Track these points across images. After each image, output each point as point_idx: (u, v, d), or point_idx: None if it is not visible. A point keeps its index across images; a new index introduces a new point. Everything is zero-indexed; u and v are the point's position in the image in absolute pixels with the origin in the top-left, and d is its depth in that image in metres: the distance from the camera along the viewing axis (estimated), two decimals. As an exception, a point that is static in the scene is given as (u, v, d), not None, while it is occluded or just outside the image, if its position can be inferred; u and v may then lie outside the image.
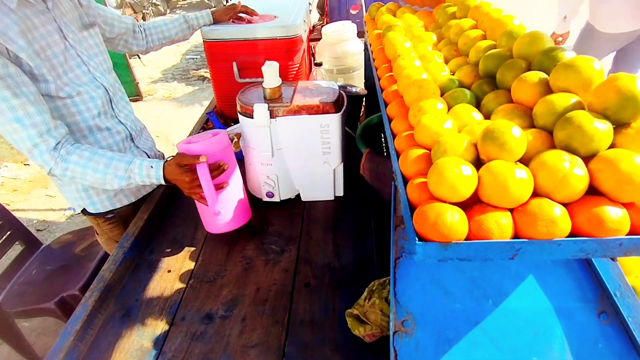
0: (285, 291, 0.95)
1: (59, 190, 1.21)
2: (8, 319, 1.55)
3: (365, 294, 0.83)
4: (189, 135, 1.58)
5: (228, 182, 1.02)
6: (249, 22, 1.48)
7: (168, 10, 8.53)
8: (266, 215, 1.19)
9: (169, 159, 1.00)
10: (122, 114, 1.20)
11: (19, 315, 1.55)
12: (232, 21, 1.50)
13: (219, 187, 0.99)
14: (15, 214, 1.70)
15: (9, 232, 1.63)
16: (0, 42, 0.85)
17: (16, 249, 1.69)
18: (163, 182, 1.00)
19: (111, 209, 1.24)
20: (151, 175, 0.99)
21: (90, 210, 1.22)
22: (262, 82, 1.06)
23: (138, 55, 5.63)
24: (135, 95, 4.62)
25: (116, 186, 1.00)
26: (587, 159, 0.47)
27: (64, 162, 0.95)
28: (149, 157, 1.29)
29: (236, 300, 0.94)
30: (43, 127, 0.92)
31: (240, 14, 1.49)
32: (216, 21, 1.47)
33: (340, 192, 1.23)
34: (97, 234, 1.34)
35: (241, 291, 0.96)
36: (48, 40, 0.96)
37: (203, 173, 0.93)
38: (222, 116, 1.63)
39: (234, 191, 1.05)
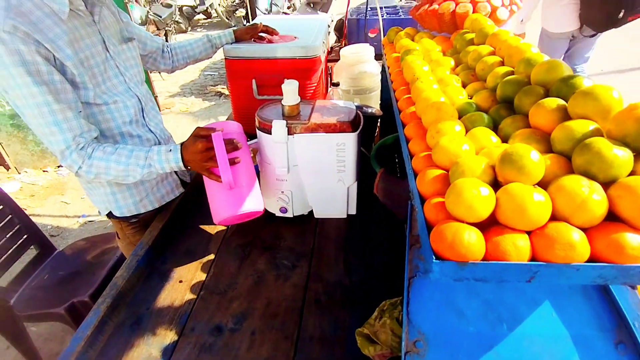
0: (295, 307, 0.95)
1: (87, 193, 1.25)
2: (19, 322, 1.57)
3: (376, 313, 0.82)
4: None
5: (240, 159, 1.01)
6: (270, 41, 1.53)
7: (189, 28, 8.82)
8: (279, 230, 1.20)
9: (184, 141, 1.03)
10: (152, 122, 1.26)
11: (29, 319, 1.57)
12: (254, 40, 1.55)
13: (232, 163, 0.99)
14: (31, 219, 1.74)
15: (25, 236, 1.67)
16: (49, 50, 0.90)
17: (30, 253, 1.72)
18: (182, 166, 1.01)
19: (136, 213, 1.27)
20: (170, 159, 1.01)
21: (116, 213, 1.25)
22: (280, 99, 1.09)
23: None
24: (153, 108, 4.73)
25: (138, 177, 1.03)
26: (606, 185, 0.48)
27: (89, 158, 0.99)
28: None
29: (246, 314, 0.94)
30: (77, 131, 0.97)
31: (261, 34, 1.53)
32: (238, 40, 1.52)
33: (353, 211, 1.23)
34: (119, 237, 1.37)
35: (251, 305, 0.96)
36: (92, 51, 1.02)
37: (218, 142, 0.95)
38: (239, 131, 1.66)
39: (246, 174, 1.04)
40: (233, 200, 1.00)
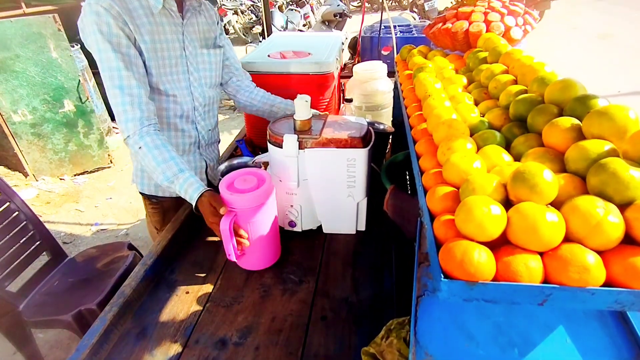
0: (301, 323, 0.93)
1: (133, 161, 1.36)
2: (26, 328, 1.58)
3: (382, 332, 0.80)
4: (220, 158, 1.63)
5: (248, 240, 1.02)
6: (284, 56, 1.56)
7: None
8: (287, 245, 1.19)
9: (209, 190, 1.05)
10: (203, 122, 1.33)
11: (36, 325, 1.58)
12: (268, 56, 1.58)
13: (237, 237, 1.02)
14: (45, 225, 1.77)
15: (38, 242, 1.69)
16: (131, 31, 1.06)
17: (42, 259, 1.74)
18: (193, 205, 1.05)
19: (155, 194, 1.36)
20: (188, 193, 1.05)
21: (139, 188, 1.37)
22: (293, 114, 1.10)
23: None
24: (169, 120, 4.83)
25: (159, 182, 1.09)
26: (622, 207, 0.46)
27: (140, 138, 1.07)
28: (207, 166, 1.42)
29: (251, 328, 0.93)
30: (136, 99, 1.07)
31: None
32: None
33: (362, 227, 1.22)
34: (146, 214, 1.48)
35: (257, 319, 0.95)
36: (169, 45, 1.16)
37: (223, 226, 0.95)
38: (251, 144, 1.68)
39: (261, 241, 1.05)
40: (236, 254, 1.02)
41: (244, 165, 1.31)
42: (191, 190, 1.05)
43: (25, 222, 1.65)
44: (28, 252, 1.64)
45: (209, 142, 1.40)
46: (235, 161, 1.36)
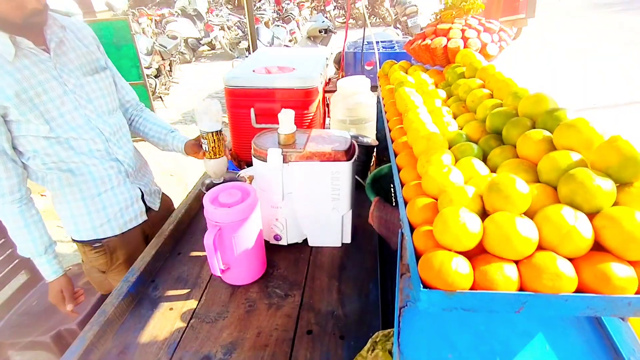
0: (286, 337, 0.93)
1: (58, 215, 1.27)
2: (2, 350, 1.52)
3: (368, 345, 0.80)
4: (203, 175, 1.62)
5: (234, 256, 1.03)
6: (268, 71, 1.58)
7: (194, 59, 9.08)
8: (272, 258, 1.18)
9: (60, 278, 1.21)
10: (121, 151, 1.24)
11: (13, 347, 1.52)
12: (253, 71, 1.59)
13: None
14: (25, 243, 1.72)
15: (16, 261, 1.65)
16: None
17: (20, 278, 1.69)
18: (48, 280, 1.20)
19: (95, 238, 1.27)
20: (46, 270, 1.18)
21: (75, 237, 1.27)
22: (277, 128, 1.11)
23: (161, 97, 5.92)
24: (154, 135, 4.79)
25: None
26: (591, 215, 0.48)
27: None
28: (143, 193, 1.33)
29: (236, 344, 0.91)
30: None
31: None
32: (186, 150, 1.35)
33: (347, 239, 1.23)
34: (83, 261, 1.37)
35: (242, 334, 0.94)
36: (45, 87, 1.05)
37: (207, 241, 0.96)
38: (236, 159, 1.68)
39: (246, 255, 1.05)
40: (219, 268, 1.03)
41: (229, 180, 1.30)
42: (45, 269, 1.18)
43: (3, 239, 1.61)
44: (5, 271, 1.60)
45: (136, 167, 1.32)
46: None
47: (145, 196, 1.35)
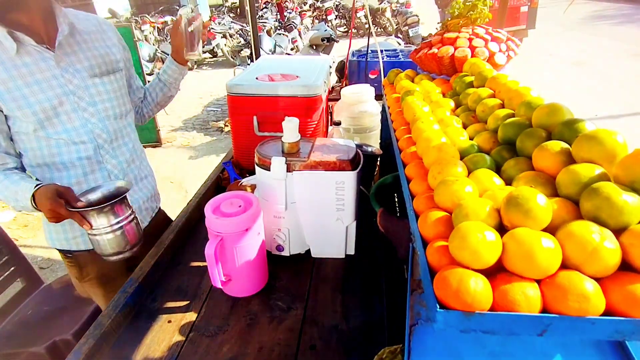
0: (289, 352, 0.89)
1: None
2: (-5, 361, 1.48)
3: (374, 362, 0.77)
4: (206, 180, 1.60)
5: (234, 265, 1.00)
6: (272, 79, 1.56)
7: (195, 66, 9.12)
8: (274, 270, 1.15)
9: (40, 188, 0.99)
10: (114, 161, 1.20)
11: (7, 358, 1.48)
12: (256, 78, 1.58)
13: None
14: (21, 249, 1.70)
15: (12, 268, 1.61)
16: None
17: (16, 286, 1.66)
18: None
19: (67, 249, 1.23)
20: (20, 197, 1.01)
21: (49, 243, 1.24)
22: (280, 136, 1.09)
23: (162, 105, 5.91)
24: (155, 141, 4.79)
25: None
26: (617, 232, 0.46)
27: None
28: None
29: (237, 359, 0.88)
30: None
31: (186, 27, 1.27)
32: (175, 56, 1.35)
33: (351, 251, 1.20)
34: (65, 264, 1.33)
35: (242, 349, 0.91)
36: (42, 86, 1.03)
37: (209, 251, 0.92)
38: (238, 166, 1.65)
39: (248, 266, 1.01)
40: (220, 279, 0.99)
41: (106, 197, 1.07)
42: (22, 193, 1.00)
43: (-1, 247, 1.58)
44: (1, 278, 1.56)
45: (134, 179, 1.27)
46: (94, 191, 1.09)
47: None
